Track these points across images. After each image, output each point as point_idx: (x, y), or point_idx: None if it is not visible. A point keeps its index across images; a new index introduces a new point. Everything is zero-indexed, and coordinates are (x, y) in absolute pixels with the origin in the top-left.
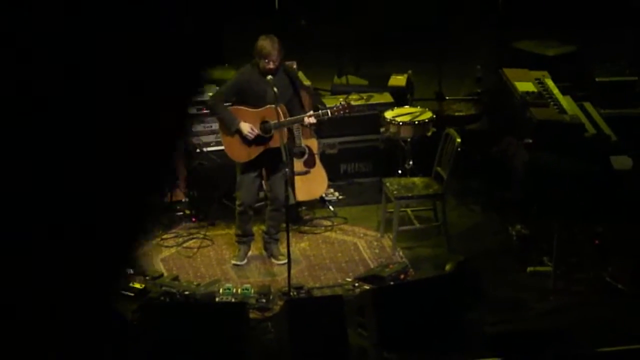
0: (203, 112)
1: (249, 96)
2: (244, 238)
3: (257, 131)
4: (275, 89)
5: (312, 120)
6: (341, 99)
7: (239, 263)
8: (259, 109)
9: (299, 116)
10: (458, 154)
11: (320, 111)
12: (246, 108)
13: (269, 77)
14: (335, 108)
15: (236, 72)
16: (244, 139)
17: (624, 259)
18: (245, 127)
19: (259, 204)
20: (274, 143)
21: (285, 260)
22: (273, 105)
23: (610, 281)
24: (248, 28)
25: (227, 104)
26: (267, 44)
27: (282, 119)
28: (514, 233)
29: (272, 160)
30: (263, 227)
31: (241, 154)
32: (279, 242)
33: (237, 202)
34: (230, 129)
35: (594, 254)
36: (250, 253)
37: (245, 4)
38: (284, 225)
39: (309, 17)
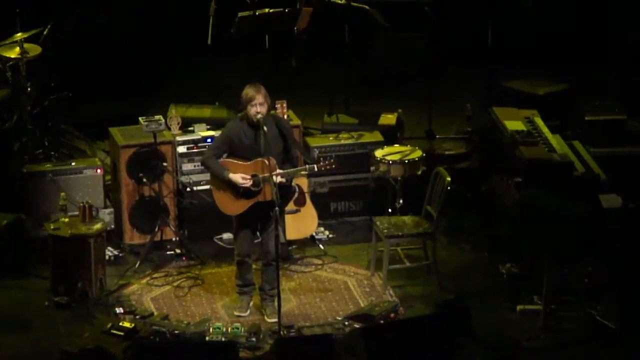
0: (193, 150)
1: (239, 149)
2: (245, 288)
3: (249, 180)
4: (263, 140)
5: (304, 173)
6: (332, 139)
7: (242, 315)
8: (249, 163)
9: (289, 170)
10: (448, 192)
11: (307, 165)
12: (236, 161)
13: (260, 121)
14: (322, 164)
15: (225, 127)
16: (234, 192)
17: (614, 298)
18: (237, 177)
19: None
20: (263, 197)
21: (276, 319)
22: (263, 159)
23: (601, 320)
24: (239, 67)
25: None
26: (250, 90)
27: (272, 172)
28: (504, 271)
29: (264, 214)
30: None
31: (232, 207)
32: (274, 299)
33: (235, 253)
34: (221, 179)
35: (584, 292)
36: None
37: (236, 43)
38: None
39: (298, 57)
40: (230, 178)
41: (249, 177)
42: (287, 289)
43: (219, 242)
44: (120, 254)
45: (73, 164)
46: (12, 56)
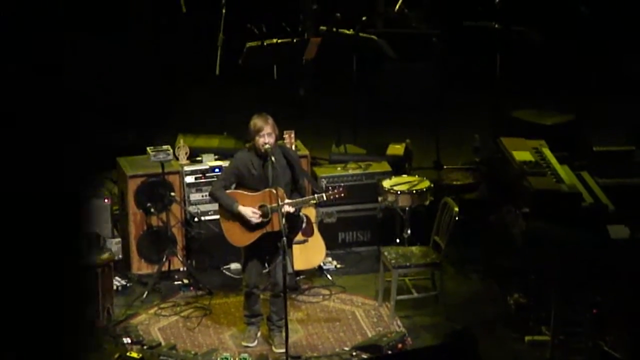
0: (201, 180)
1: (248, 180)
2: (253, 319)
3: (259, 214)
4: (271, 170)
5: (313, 202)
6: (340, 169)
7: (250, 345)
8: (257, 193)
9: (298, 200)
10: (456, 223)
11: (315, 195)
12: (244, 192)
13: (268, 152)
14: (330, 193)
15: (233, 158)
16: (243, 223)
17: (622, 329)
18: (247, 211)
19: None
20: (272, 227)
21: (283, 350)
22: (270, 189)
23: (609, 351)
24: (247, 97)
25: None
26: (258, 120)
27: (281, 202)
28: (512, 302)
29: (273, 245)
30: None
31: (241, 239)
32: (282, 329)
33: (243, 284)
34: (230, 212)
35: (592, 323)
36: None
37: (244, 73)
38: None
39: (307, 87)
40: (240, 211)
41: (257, 212)
42: (295, 319)
43: (227, 273)
44: (128, 284)
45: None
46: None
